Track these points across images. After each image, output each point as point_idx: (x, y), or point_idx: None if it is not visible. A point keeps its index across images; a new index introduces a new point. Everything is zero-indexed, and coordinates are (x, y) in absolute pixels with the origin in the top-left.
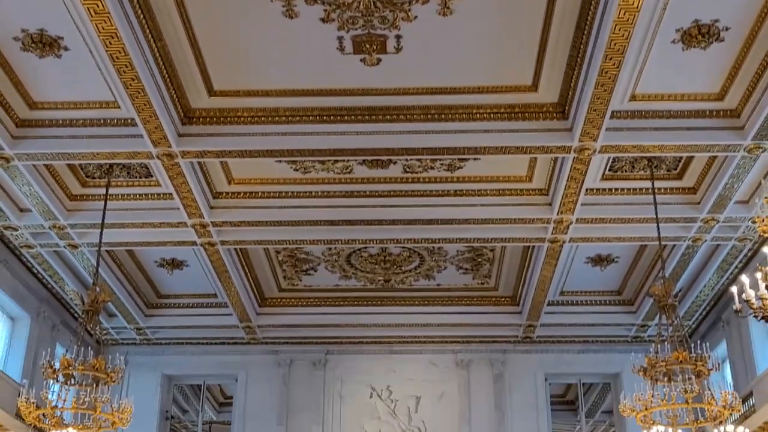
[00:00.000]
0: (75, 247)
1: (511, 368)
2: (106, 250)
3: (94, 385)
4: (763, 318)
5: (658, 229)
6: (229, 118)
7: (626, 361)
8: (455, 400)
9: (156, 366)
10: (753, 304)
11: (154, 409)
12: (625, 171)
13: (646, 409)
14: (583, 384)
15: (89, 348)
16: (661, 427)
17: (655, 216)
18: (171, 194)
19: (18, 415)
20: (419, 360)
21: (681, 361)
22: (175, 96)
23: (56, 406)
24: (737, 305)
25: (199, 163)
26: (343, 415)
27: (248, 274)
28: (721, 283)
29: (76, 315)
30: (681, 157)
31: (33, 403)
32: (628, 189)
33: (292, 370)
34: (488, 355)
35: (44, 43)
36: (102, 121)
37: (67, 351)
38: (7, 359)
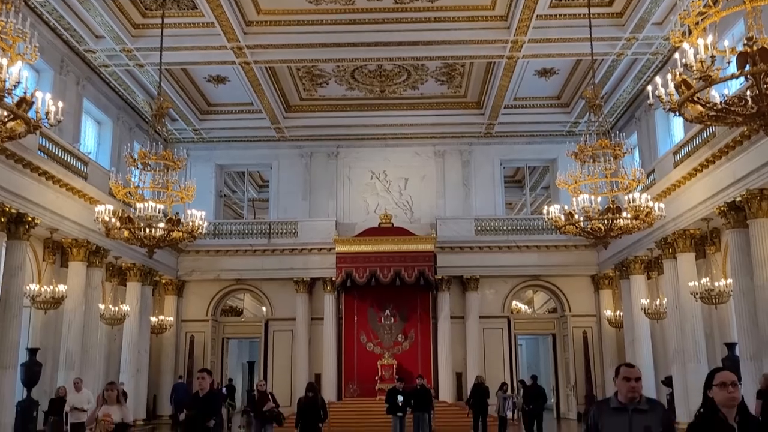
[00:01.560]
0: (141, 66)
1: (476, 156)
2: (166, 69)
3: (165, 171)
4: (670, 110)
5: (591, 46)
6: None
7: (561, 150)
8: (433, 181)
9: (210, 158)
10: (663, 98)
11: (210, 190)
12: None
13: (576, 182)
14: (528, 167)
15: (159, 144)
16: (586, 196)
17: (589, 36)
18: (213, 23)
19: (110, 194)
20: (407, 151)
21: (603, 147)
22: None
23: (138, 186)
24: (651, 100)
25: None
26: (351, 192)
27: (276, 86)
28: (636, 89)
29: (147, 119)
30: None
31: (120, 184)
32: (570, 15)
33: (312, 160)
34: (458, 147)
35: None
36: None
37: (142, 146)
38: (98, 153)
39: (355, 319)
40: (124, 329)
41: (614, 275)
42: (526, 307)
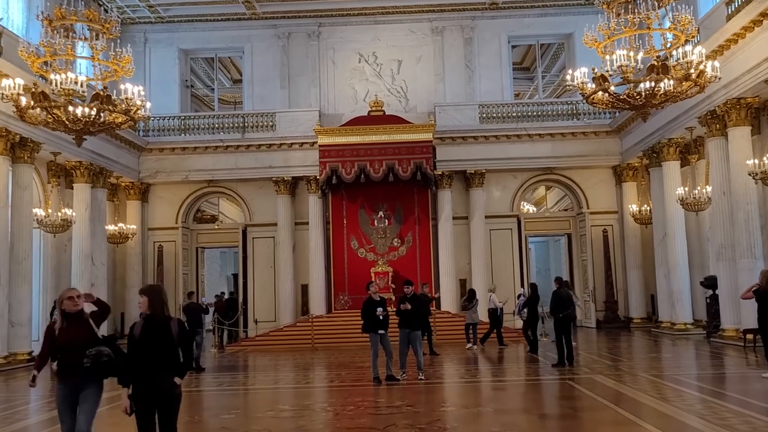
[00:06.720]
0: None
1: (479, 33)
2: None
3: (95, 38)
4: None
5: None
6: None
7: (579, 23)
8: (431, 62)
9: (172, 42)
10: None
11: (174, 78)
12: None
13: (609, 38)
14: (540, 45)
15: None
16: (623, 52)
17: None
18: None
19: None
20: (400, 28)
21: None
22: None
23: (55, 55)
24: None
25: None
26: (336, 78)
27: None
28: None
29: None
30: None
31: (33, 52)
32: None
33: (290, 42)
34: (459, 22)
35: None
36: None
37: (60, 4)
38: (29, 30)
39: (345, 222)
40: (73, 238)
41: (640, 165)
42: (535, 209)
